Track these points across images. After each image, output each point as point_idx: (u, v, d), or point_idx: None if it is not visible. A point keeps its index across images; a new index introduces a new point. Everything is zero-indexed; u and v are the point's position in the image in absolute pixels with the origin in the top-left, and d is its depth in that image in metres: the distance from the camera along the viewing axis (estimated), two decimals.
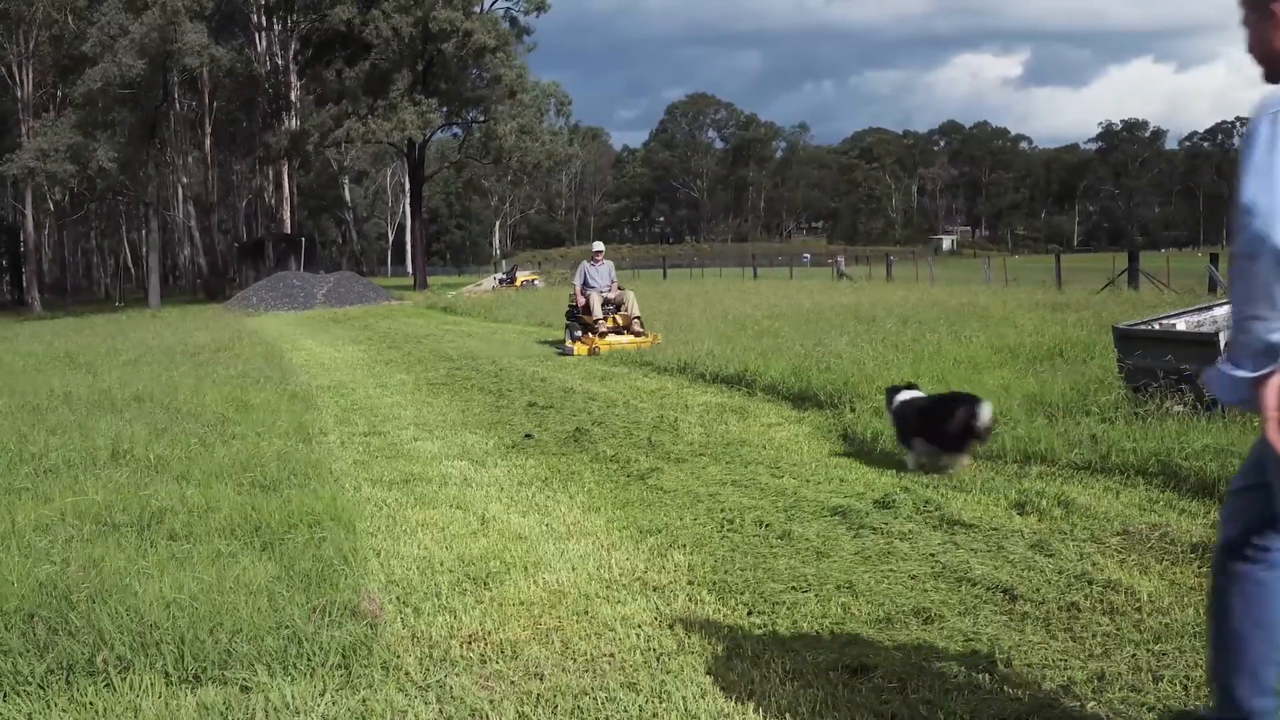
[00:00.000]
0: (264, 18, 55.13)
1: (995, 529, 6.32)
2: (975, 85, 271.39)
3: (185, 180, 60.47)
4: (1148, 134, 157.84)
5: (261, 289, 42.77)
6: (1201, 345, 8.85)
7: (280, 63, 53.66)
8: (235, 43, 53.68)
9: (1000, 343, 13.74)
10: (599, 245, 21.32)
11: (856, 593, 5.32)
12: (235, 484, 7.63)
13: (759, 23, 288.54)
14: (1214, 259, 30.30)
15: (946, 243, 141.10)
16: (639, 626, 4.99)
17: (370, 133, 49.56)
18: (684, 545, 6.24)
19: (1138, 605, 5.03)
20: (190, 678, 4.45)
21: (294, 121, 53.48)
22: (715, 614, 5.13)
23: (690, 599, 5.34)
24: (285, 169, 54.73)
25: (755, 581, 5.54)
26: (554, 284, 48.65)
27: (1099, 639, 4.67)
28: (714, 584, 5.54)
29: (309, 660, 4.57)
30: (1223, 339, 8.61)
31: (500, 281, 47.72)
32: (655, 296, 33.32)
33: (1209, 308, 10.40)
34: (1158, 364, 8.99)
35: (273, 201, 57.38)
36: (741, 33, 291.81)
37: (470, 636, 4.90)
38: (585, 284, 20.23)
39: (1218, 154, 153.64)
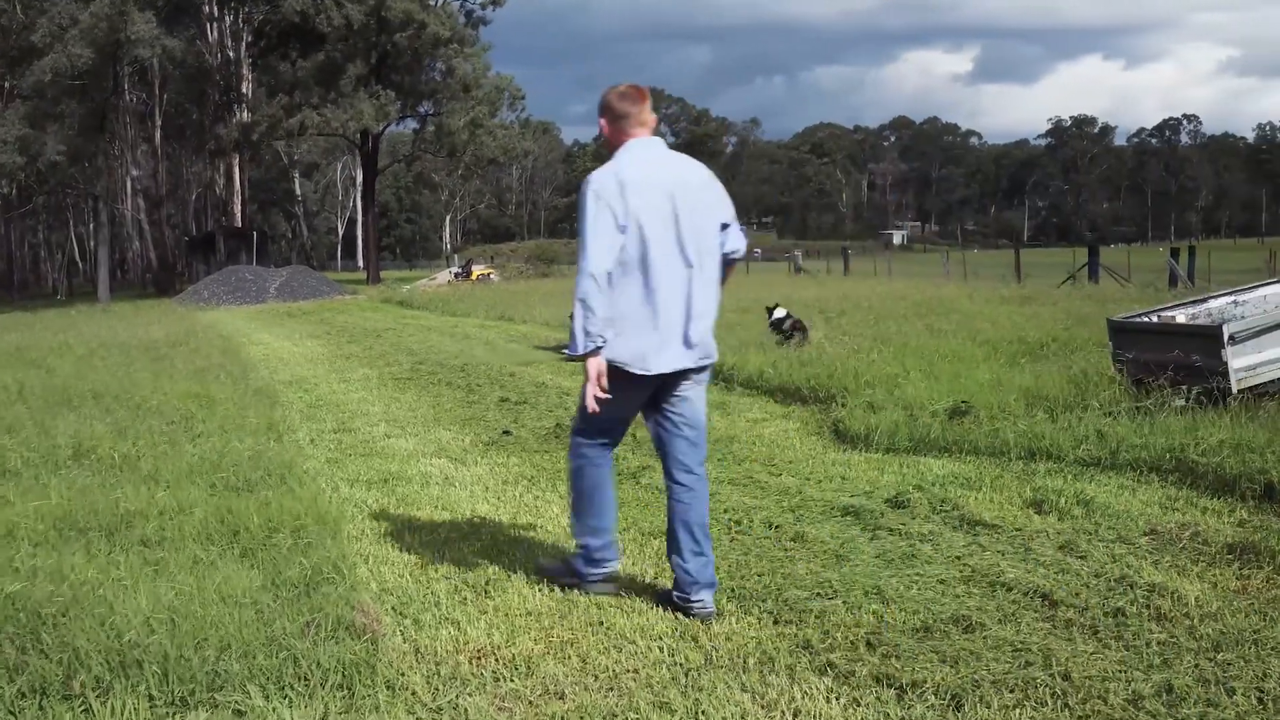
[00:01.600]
0: (215, 8, 54.12)
1: (1019, 530, 6.03)
2: (925, 81, 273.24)
3: (135, 173, 59.31)
4: (1097, 130, 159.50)
5: (213, 283, 41.98)
6: (1205, 338, 8.63)
7: (232, 54, 52.65)
8: (186, 33, 52.65)
9: (981, 336, 13.51)
10: None
11: (886, 599, 5.00)
12: (207, 485, 7.20)
13: (711, 18, 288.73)
14: (1174, 253, 30.36)
15: (897, 238, 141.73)
16: (659, 638, 4.64)
17: (325, 123, 48.75)
18: None
19: (1186, 611, 4.74)
20: (177, 701, 4.05)
21: (245, 113, 52.52)
22: (738, 624, 4.79)
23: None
24: (236, 162, 53.74)
25: (776, 587, 5.20)
26: (509, 278, 48.21)
27: (1155, 648, 4.37)
28: (732, 590, 5.20)
29: (306, 680, 4.18)
30: (1227, 331, 8.39)
31: (455, 275, 47.16)
32: None
33: (1203, 300, 10.20)
34: (1159, 358, 8.74)
35: (223, 195, 56.38)
36: (693, 28, 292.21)
37: (479, 651, 4.52)
38: None
39: (1166, 150, 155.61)
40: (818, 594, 5.10)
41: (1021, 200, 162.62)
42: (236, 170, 53.37)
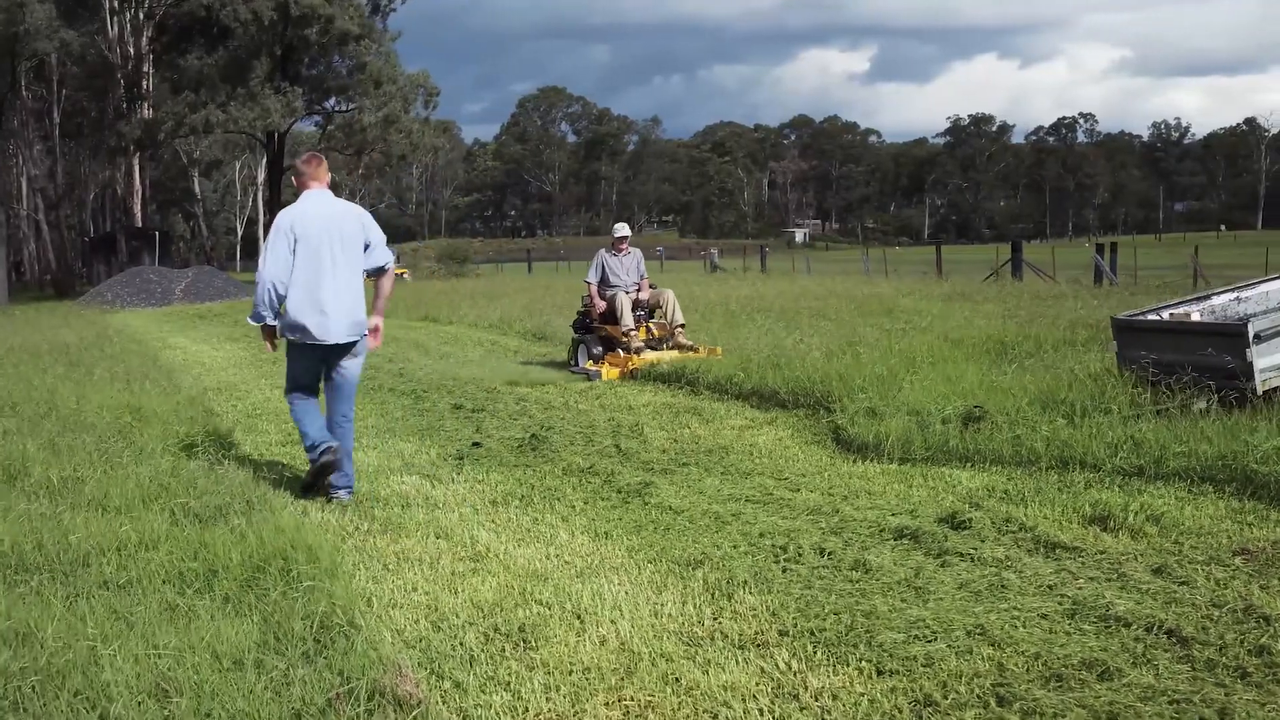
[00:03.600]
0: (117, 1, 51.87)
1: (1102, 552, 5.44)
2: (823, 80, 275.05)
3: (33, 173, 56.80)
4: (994, 128, 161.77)
5: (116, 285, 40.15)
6: (1226, 337, 8.15)
7: (133, 50, 50.49)
8: (87, 28, 50.40)
9: (953, 336, 13.03)
10: (622, 228, 15.04)
11: (995, 641, 4.35)
12: (166, 512, 6.31)
13: (609, 17, 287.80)
14: (1099, 249, 30.37)
15: (799, 236, 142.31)
16: (754, 698, 3.95)
17: (232, 121, 46.94)
18: (744, 582, 5.19)
19: None
20: None
21: (148, 110, 50.45)
22: (837, 676, 4.12)
23: (797, 657, 4.31)
24: (137, 160, 51.59)
25: (863, 630, 4.52)
26: (421, 277, 47.06)
27: None
28: (814, 635, 4.51)
29: None
30: (1252, 329, 7.93)
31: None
32: (537, 290, 32.22)
33: (1206, 296, 9.77)
34: (1178, 358, 8.25)
35: (123, 194, 54.14)
36: (592, 27, 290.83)
37: None
38: (604, 281, 14.59)
39: (1062, 148, 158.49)
40: (915, 636, 4.44)
41: (921, 198, 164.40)
42: (137, 169, 51.26)
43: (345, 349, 7.29)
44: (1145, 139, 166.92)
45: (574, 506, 6.96)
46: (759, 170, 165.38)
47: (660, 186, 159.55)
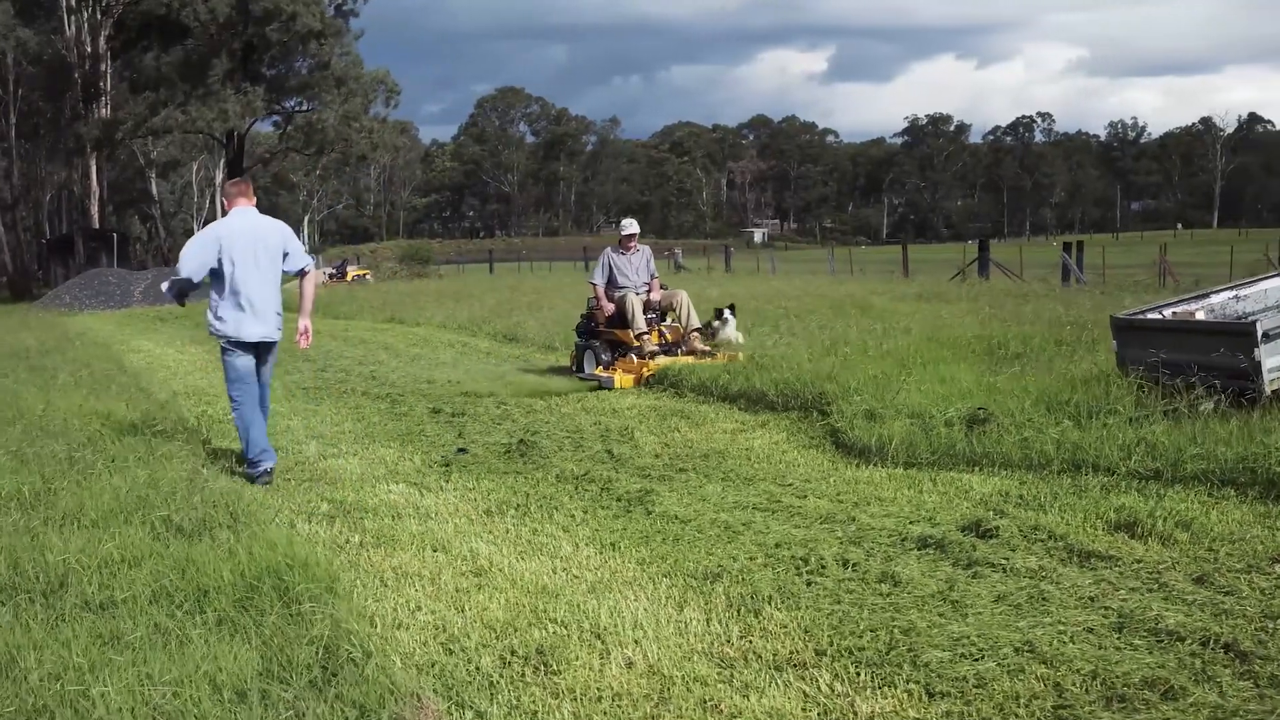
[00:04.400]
0: None
1: (1138, 561, 5.22)
2: (782, 80, 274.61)
3: None
4: (952, 128, 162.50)
5: (74, 287, 39.28)
6: (1233, 336, 7.98)
7: (90, 49, 49.45)
8: (44, 26, 49.32)
9: (940, 336, 12.84)
10: (631, 224, 13.93)
11: (1046, 659, 4.12)
12: (147, 526, 5.96)
13: (567, 17, 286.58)
14: (1066, 248, 30.37)
15: (758, 235, 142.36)
16: None
17: (191, 121, 46.11)
18: (769, 597, 4.93)
19: None
20: None
21: (106, 110, 49.46)
22: (887, 700, 3.87)
23: (839, 679, 4.05)
24: (94, 161, 50.56)
25: (905, 648, 4.28)
26: (383, 279, 46.54)
27: None
28: (853, 654, 4.26)
29: None
30: (1261, 328, 7.76)
31: (330, 276, 45.27)
32: (503, 290, 31.85)
33: (1204, 295, 9.60)
34: (1184, 357, 8.07)
35: (81, 196, 53.05)
36: (550, 26, 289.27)
37: None
38: (611, 281, 13.59)
39: (1019, 148, 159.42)
40: (961, 654, 4.20)
41: (879, 198, 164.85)
42: (95, 170, 50.24)
43: (270, 345, 8.28)
44: (1102, 138, 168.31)
45: (574, 516, 6.68)
46: (717, 170, 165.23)
47: (619, 187, 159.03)
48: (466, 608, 4.96)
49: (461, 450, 8.92)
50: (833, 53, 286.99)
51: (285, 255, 8.25)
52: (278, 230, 8.31)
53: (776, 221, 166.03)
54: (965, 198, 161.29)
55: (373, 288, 38.69)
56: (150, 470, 7.38)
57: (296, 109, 52.84)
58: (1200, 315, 8.90)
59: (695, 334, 13.20)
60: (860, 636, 4.42)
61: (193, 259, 7.98)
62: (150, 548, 5.55)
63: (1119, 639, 4.31)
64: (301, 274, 8.46)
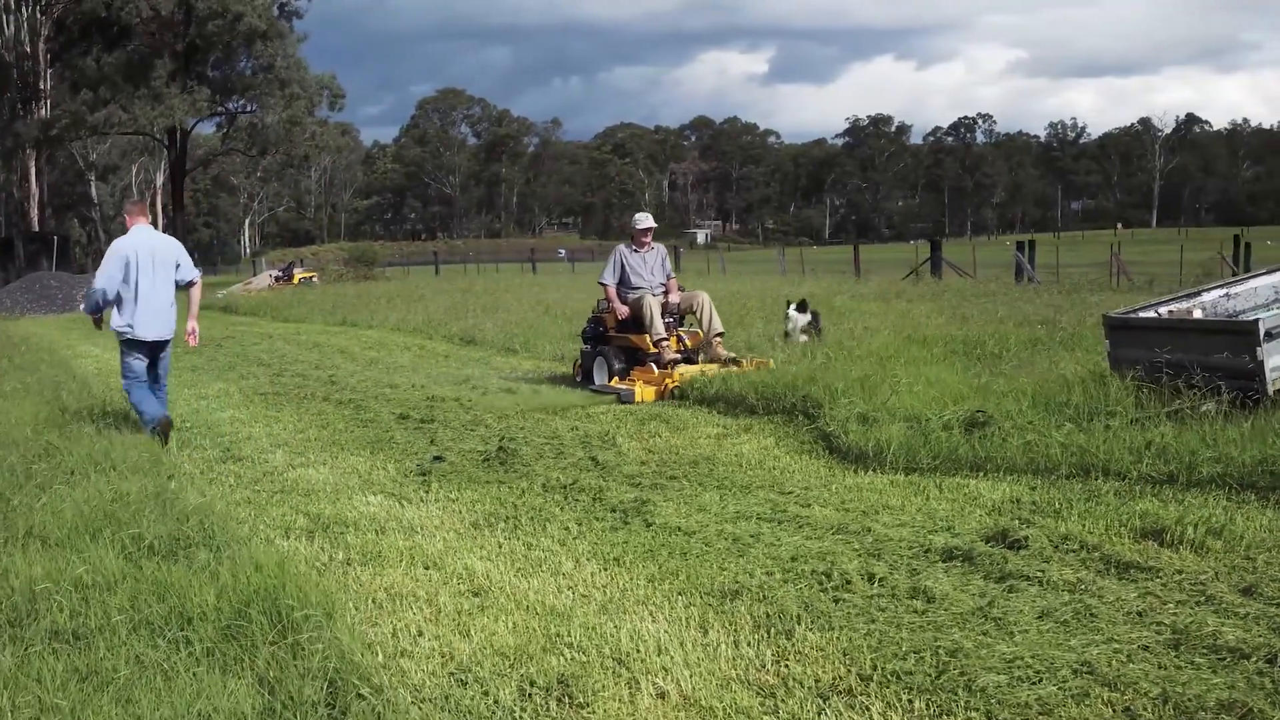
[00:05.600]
0: None
1: (1179, 572, 4.97)
2: (722, 82, 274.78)
3: None
4: (893, 129, 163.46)
5: (15, 291, 38.24)
6: (1235, 334, 7.81)
7: (30, 48, 48.17)
8: None
9: (914, 335, 12.64)
10: (645, 219, 12.82)
11: (1108, 680, 3.86)
12: (117, 546, 5.55)
13: (508, 18, 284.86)
14: (1020, 247, 30.42)
15: (700, 236, 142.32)
16: None
17: (133, 119, 45.08)
18: (797, 616, 4.64)
19: None
20: None
21: (45, 110, 48.24)
22: None
23: (893, 707, 3.77)
24: (34, 164, 49.32)
25: (957, 672, 4.00)
26: (329, 281, 45.79)
27: None
28: (901, 679, 3.98)
29: None
30: (1263, 326, 7.59)
31: (276, 279, 44.43)
32: (454, 292, 31.40)
33: (1196, 293, 9.46)
34: (1184, 358, 7.88)
35: (20, 198, 51.75)
36: (491, 28, 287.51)
37: None
38: (624, 281, 12.50)
39: (960, 148, 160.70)
40: (1018, 678, 3.92)
41: (820, 198, 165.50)
42: (34, 173, 49.00)
43: (163, 344, 9.50)
44: (1042, 139, 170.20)
45: (569, 529, 6.35)
46: (659, 171, 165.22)
47: (561, 188, 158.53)
48: (472, 632, 4.63)
49: (438, 458, 8.56)
50: (773, 54, 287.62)
51: (178, 267, 9.49)
52: (172, 246, 9.68)
53: (719, 222, 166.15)
54: (907, 198, 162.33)
55: (320, 290, 38.03)
56: (113, 483, 6.96)
57: (240, 110, 51.94)
58: (1199, 314, 8.73)
59: (718, 339, 12.09)
60: (905, 659, 4.14)
61: (106, 276, 9.14)
62: (123, 570, 5.16)
63: (1178, 657, 4.06)
64: (190, 284, 9.67)
